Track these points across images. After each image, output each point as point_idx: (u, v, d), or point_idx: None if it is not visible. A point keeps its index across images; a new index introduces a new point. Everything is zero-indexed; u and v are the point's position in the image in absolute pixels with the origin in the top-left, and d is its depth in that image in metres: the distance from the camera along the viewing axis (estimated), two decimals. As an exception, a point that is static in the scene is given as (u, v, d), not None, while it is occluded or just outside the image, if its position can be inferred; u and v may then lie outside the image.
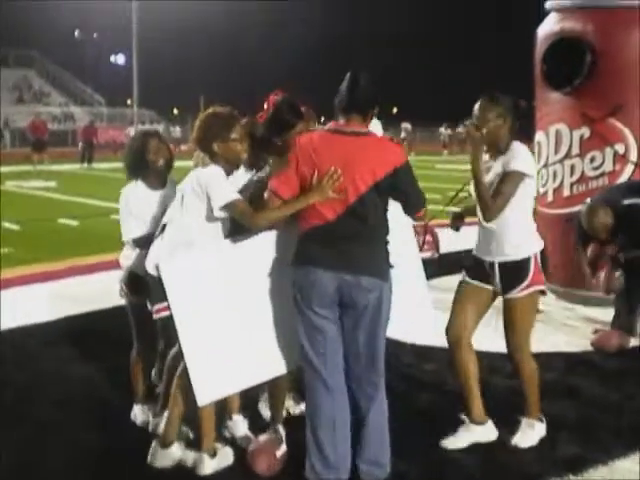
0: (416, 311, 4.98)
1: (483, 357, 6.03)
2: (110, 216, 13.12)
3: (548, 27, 8.24)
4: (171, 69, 62.13)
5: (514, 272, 4.67)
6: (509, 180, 4.55)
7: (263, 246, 4.27)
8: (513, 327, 4.73)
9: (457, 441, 4.76)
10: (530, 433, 4.81)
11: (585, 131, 7.83)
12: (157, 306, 4.43)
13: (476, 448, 4.74)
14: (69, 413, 5.28)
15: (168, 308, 4.09)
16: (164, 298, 4.08)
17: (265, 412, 5.00)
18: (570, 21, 7.99)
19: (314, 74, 70.43)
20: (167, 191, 4.88)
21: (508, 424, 4.93)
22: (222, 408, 4.68)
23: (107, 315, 7.48)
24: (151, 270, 4.32)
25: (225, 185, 4.24)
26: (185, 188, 4.33)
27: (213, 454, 4.42)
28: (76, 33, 70.17)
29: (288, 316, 4.19)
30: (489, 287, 4.79)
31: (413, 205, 4.28)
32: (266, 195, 4.11)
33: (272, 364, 4.35)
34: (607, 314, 7.25)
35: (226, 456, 4.49)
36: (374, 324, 4.13)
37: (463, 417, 4.83)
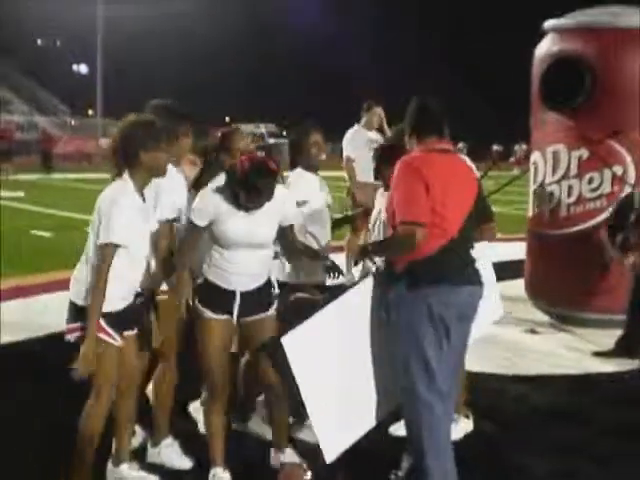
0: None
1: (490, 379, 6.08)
2: (84, 228, 12.86)
3: (546, 47, 8.27)
4: (136, 78, 61.65)
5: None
6: None
7: (361, 300, 4.26)
8: None
9: None
10: (454, 428, 4.82)
11: (583, 152, 7.85)
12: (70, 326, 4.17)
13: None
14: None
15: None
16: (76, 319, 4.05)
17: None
18: (569, 42, 8.02)
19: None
20: None
21: (523, 446, 4.88)
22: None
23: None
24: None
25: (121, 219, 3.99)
26: None
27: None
28: (38, 40, 69.49)
29: (385, 359, 4.21)
30: None
31: (489, 217, 4.43)
32: (410, 228, 3.94)
33: (378, 409, 4.37)
34: (605, 334, 7.28)
35: None
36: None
37: None
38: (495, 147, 44.25)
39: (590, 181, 7.85)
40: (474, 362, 5.19)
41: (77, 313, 4.07)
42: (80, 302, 4.07)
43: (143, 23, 59.55)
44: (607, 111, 7.72)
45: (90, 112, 60.55)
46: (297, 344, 4.01)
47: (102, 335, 4.03)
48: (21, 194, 22.74)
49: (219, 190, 4.23)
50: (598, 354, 7.03)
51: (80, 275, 4.11)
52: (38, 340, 7.30)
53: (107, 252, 3.97)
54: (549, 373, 6.60)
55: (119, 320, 4.10)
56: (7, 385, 6.00)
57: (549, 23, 8.37)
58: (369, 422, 4.38)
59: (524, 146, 46.58)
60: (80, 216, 15.98)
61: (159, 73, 66.55)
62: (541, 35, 8.44)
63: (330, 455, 4.16)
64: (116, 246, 3.97)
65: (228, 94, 68.22)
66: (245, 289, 4.31)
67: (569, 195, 7.96)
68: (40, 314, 8.22)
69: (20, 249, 12.65)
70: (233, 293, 4.29)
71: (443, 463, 4.07)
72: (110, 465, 4.41)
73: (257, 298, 4.35)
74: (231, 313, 4.31)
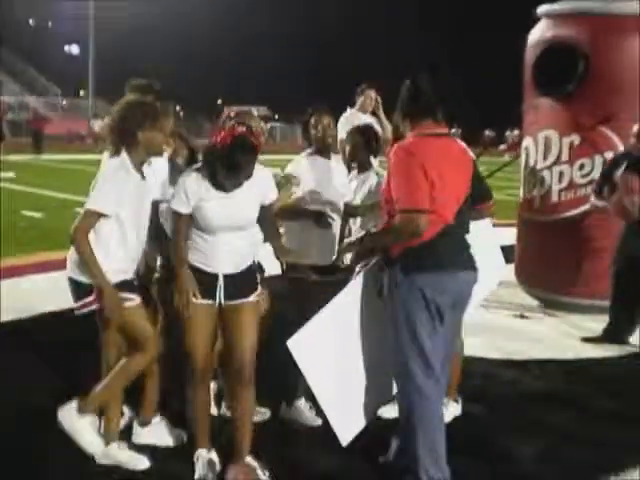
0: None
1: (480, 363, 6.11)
2: (74, 209, 12.85)
3: (539, 33, 8.27)
4: (128, 61, 61.38)
5: None
6: None
7: (355, 295, 4.30)
8: None
9: None
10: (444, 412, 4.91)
11: (575, 138, 7.87)
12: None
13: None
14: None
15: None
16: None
17: None
18: (563, 28, 8.02)
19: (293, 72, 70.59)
20: None
21: (511, 430, 4.93)
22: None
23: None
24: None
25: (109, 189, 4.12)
26: None
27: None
28: (30, 21, 69.05)
29: (387, 344, 4.21)
30: None
31: (487, 196, 4.42)
32: (412, 217, 3.90)
33: (382, 393, 4.52)
34: (594, 320, 7.33)
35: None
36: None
37: None
38: (487, 132, 44.31)
39: (581, 167, 7.88)
40: (464, 346, 5.20)
41: (79, 288, 4.15)
42: (79, 277, 4.15)
43: (136, 3, 59.25)
44: (599, 97, 7.73)
45: (81, 93, 60.28)
46: (301, 345, 4.10)
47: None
48: (12, 175, 22.66)
49: (196, 173, 4.13)
50: (587, 340, 7.07)
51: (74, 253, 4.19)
52: (30, 320, 7.33)
53: (89, 219, 4.08)
54: (539, 358, 6.62)
55: (120, 290, 4.18)
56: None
57: (542, 9, 8.37)
58: (377, 405, 4.58)
59: (516, 132, 47.16)
60: (71, 197, 15.97)
61: (151, 54, 66.23)
62: (534, 21, 8.43)
63: (345, 439, 4.30)
64: (100, 215, 4.07)
65: (220, 76, 68.07)
66: (228, 272, 4.24)
67: (560, 181, 7.98)
68: (32, 294, 8.23)
69: (12, 230, 12.62)
70: (216, 277, 4.21)
71: (434, 447, 4.09)
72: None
73: (240, 282, 4.26)
74: (214, 297, 4.24)
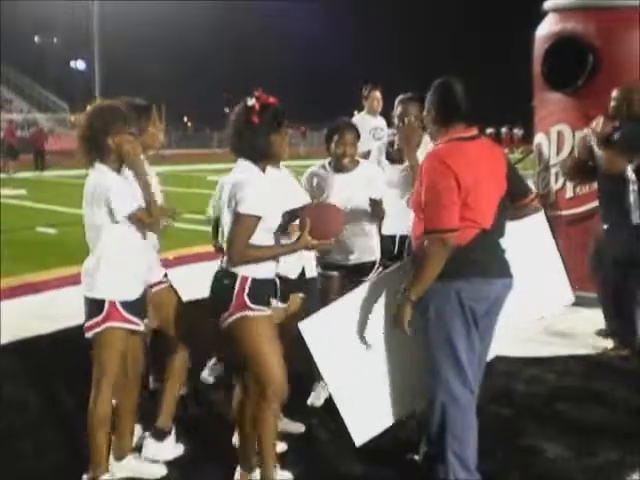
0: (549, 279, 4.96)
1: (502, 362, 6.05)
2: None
3: (547, 27, 8.21)
4: (133, 76, 61.55)
5: None
6: None
7: (385, 283, 4.26)
8: None
9: None
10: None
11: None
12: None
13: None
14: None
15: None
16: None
17: None
18: (571, 21, 7.96)
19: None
20: None
21: (541, 429, 4.89)
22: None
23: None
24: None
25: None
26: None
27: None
28: (36, 38, 69.31)
29: (413, 350, 4.14)
30: None
31: (524, 189, 4.26)
32: (440, 237, 3.82)
33: (403, 402, 4.40)
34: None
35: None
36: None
37: None
38: (488, 131, 44.54)
39: (595, 161, 7.77)
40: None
41: (91, 306, 4.07)
42: (91, 294, 4.07)
43: (140, 18, 59.45)
44: (610, 89, 7.63)
45: (88, 108, 60.36)
46: (315, 329, 4.02)
47: (120, 323, 4.04)
48: (23, 192, 22.70)
49: (253, 173, 3.94)
50: (603, 333, 6.95)
51: (90, 266, 4.09)
52: (48, 336, 7.29)
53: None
54: (560, 354, 6.57)
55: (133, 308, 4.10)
56: (15, 384, 5.96)
57: (549, 3, 8.31)
58: (397, 413, 4.41)
59: (515, 130, 47.45)
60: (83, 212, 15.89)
61: (156, 67, 66.45)
62: (540, 16, 8.38)
63: (359, 439, 4.23)
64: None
65: (223, 88, 68.28)
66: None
67: None
68: (47, 310, 8.21)
69: (27, 247, 12.63)
70: (274, 282, 4.05)
71: (465, 454, 4.04)
72: (112, 460, 4.33)
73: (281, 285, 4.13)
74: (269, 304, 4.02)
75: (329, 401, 4.78)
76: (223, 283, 3.92)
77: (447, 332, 3.95)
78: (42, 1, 57.19)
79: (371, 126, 9.59)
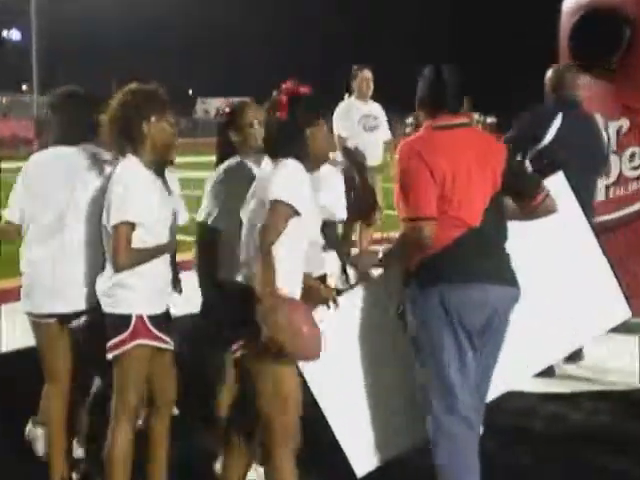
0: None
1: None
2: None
3: (575, -1, 8.17)
4: (77, 49, 61.60)
5: None
6: None
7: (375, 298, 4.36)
8: None
9: None
10: None
11: (624, 123, 7.78)
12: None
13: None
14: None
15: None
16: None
17: None
18: (604, -11, 7.93)
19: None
20: None
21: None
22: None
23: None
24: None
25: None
26: None
27: None
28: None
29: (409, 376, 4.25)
30: None
31: (529, 190, 4.24)
32: (415, 225, 3.96)
33: (405, 431, 4.46)
34: None
35: None
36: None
37: None
38: (489, 120, 45.89)
39: (632, 157, 7.77)
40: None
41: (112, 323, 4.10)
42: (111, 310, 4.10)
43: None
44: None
45: (24, 87, 60.34)
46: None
47: (149, 340, 4.09)
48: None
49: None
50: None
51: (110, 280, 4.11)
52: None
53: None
54: (587, 390, 6.53)
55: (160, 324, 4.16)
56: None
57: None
58: (402, 444, 4.49)
59: (489, 119, 49.08)
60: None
61: (105, 41, 66.54)
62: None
63: (360, 469, 4.36)
64: (133, 225, 3.97)
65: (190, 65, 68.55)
66: None
67: (607, 175, 7.82)
68: None
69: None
70: None
71: None
72: None
73: None
74: None
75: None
76: None
77: (432, 345, 4.02)
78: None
79: (361, 113, 9.45)
